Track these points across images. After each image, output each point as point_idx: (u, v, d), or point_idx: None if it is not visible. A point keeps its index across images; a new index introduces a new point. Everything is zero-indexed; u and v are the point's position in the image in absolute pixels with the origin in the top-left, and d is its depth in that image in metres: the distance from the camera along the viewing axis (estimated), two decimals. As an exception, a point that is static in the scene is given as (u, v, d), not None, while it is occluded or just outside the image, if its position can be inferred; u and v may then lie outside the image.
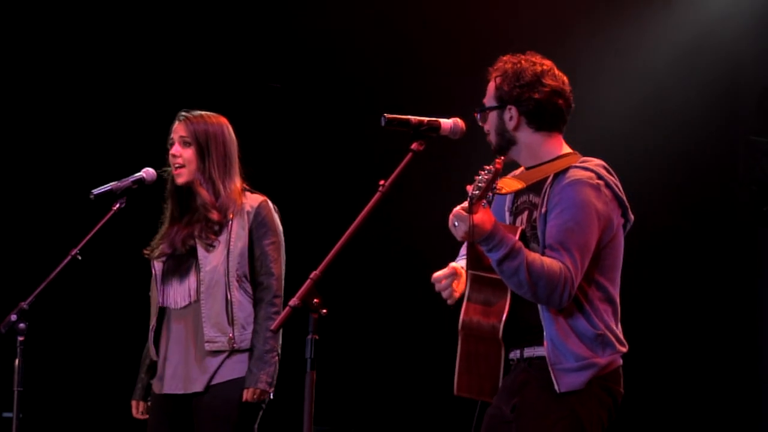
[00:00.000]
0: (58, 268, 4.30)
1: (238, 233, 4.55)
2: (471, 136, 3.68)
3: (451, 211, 3.43)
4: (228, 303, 4.51)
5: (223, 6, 7.17)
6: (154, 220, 4.70)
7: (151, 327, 4.61)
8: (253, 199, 4.62)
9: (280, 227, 4.65)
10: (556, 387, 3.53)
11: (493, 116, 3.70)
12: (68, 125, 6.84)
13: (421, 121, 3.53)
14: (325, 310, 3.21)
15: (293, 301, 3.16)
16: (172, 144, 4.61)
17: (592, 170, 3.60)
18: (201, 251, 4.53)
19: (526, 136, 3.68)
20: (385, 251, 7.33)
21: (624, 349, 3.63)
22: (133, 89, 6.86)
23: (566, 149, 3.72)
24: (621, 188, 3.64)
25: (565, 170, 3.61)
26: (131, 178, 4.55)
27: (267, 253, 4.57)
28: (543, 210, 3.57)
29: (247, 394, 4.48)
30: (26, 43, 6.78)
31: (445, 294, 3.66)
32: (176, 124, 4.64)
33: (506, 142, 3.70)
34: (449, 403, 4.00)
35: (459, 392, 3.69)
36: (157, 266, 4.61)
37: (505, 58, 3.72)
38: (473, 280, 3.62)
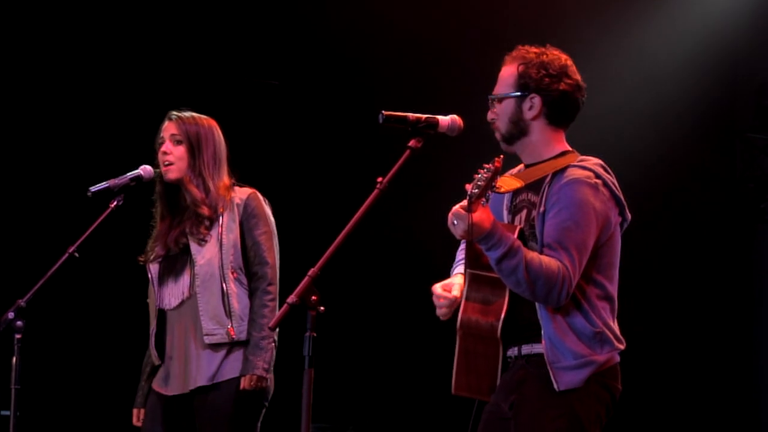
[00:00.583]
0: (56, 266, 4.29)
1: (229, 226, 4.57)
2: (469, 134, 3.67)
3: (449, 208, 3.43)
4: (224, 295, 4.52)
5: (221, 3, 7.16)
6: (151, 217, 4.70)
7: (151, 331, 4.61)
8: (242, 192, 4.65)
9: (272, 217, 4.68)
10: (555, 386, 3.53)
11: (509, 103, 3.67)
12: (66, 123, 6.84)
13: (419, 118, 3.52)
14: (322, 308, 3.21)
15: (291, 299, 3.16)
16: (162, 142, 4.62)
17: (590, 169, 3.60)
18: (194, 246, 4.54)
19: (539, 128, 3.68)
20: (383, 248, 7.33)
21: (622, 347, 3.63)
22: (131, 87, 6.86)
23: (565, 147, 3.72)
24: (618, 187, 3.64)
25: (564, 169, 3.61)
26: (129, 176, 4.55)
27: (259, 243, 4.59)
28: (541, 209, 3.57)
29: (244, 382, 4.48)
30: (23, 42, 6.78)
31: (438, 312, 3.66)
32: (166, 123, 4.65)
33: (519, 131, 3.68)
34: (447, 401, 4.00)
35: (457, 391, 3.69)
36: (153, 269, 4.63)
37: (525, 47, 3.70)
38: (472, 279, 3.62)
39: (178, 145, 4.60)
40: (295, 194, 7.29)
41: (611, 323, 3.62)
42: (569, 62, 3.70)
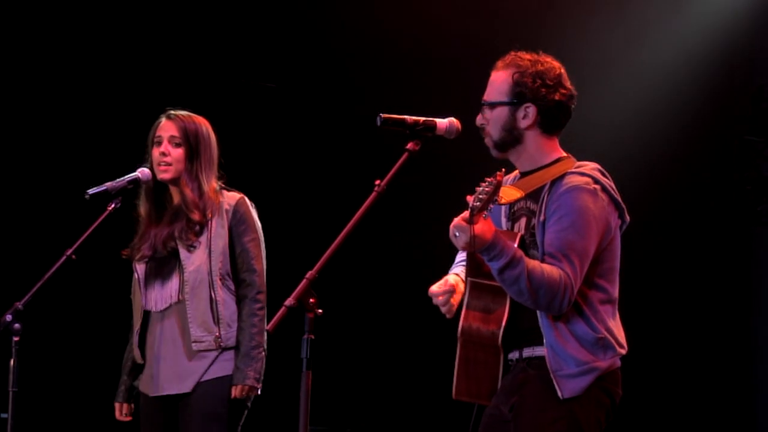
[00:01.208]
0: (53, 269, 4.29)
1: (217, 232, 4.57)
2: (468, 136, 3.68)
3: (448, 210, 3.43)
4: (213, 302, 4.52)
5: (219, 5, 7.16)
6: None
7: (135, 330, 4.62)
8: (230, 198, 4.64)
9: (259, 223, 4.68)
10: (559, 393, 3.53)
11: (502, 111, 3.66)
12: (63, 126, 6.83)
13: (417, 121, 3.52)
14: (320, 310, 3.21)
15: (289, 301, 3.16)
16: (160, 141, 4.61)
17: (588, 175, 3.59)
18: (183, 252, 4.54)
19: (533, 136, 3.66)
20: (381, 251, 7.33)
21: (623, 351, 3.63)
22: (129, 89, 6.86)
23: (561, 153, 3.71)
24: (616, 190, 3.64)
25: (562, 176, 3.60)
26: (126, 178, 4.54)
27: (248, 250, 4.59)
28: (541, 218, 3.57)
29: (235, 391, 4.49)
30: (20, 44, 6.77)
31: (443, 309, 3.66)
32: (164, 121, 4.64)
33: (512, 139, 3.66)
34: (446, 405, 4.00)
35: (458, 396, 3.69)
36: (139, 269, 4.62)
37: (518, 53, 3.68)
38: (473, 287, 3.62)
39: (177, 147, 4.60)
40: (293, 197, 7.29)
41: (613, 327, 3.62)
42: (563, 70, 3.68)
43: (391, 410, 7.49)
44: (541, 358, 3.57)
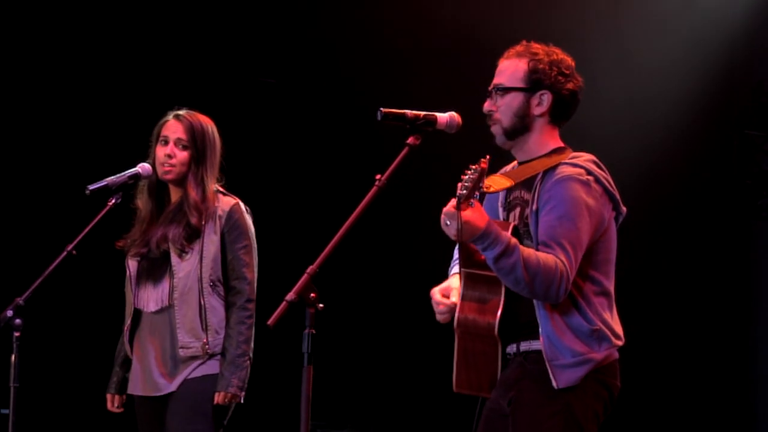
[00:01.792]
0: (54, 264, 4.29)
1: (210, 238, 4.55)
2: (468, 131, 3.67)
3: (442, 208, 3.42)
4: (202, 309, 4.52)
5: (218, 2, 7.16)
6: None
7: (126, 326, 4.62)
8: (225, 203, 4.61)
9: (252, 230, 4.65)
10: (554, 383, 3.53)
11: (516, 97, 3.65)
12: (64, 122, 6.83)
13: (417, 116, 3.52)
14: (321, 305, 3.21)
15: (290, 296, 3.16)
16: (166, 141, 4.59)
17: (581, 166, 3.59)
18: (174, 258, 4.53)
19: (542, 125, 3.67)
20: (383, 246, 7.33)
21: (620, 343, 3.63)
22: (129, 85, 6.86)
23: (558, 144, 3.71)
24: (612, 182, 3.63)
25: (555, 167, 3.60)
26: (127, 174, 4.54)
27: (239, 258, 4.57)
28: (534, 207, 3.57)
29: (218, 398, 4.49)
30: (21, 41, 6.77)
31: (439, 317, 3.67)
32: (171, 121, 4.62)
33: (522, 127, 3.66)
34: (446, 399, 4.01)
35: (458, 389, 3.69)
36: (132, 266, 4.62)
37: (531, 43, 3.69)
38: (467, 278, 3.62)
39: (183, 150, 4.58)
40: (294, 192, 7.29)
41: (609, 319, 3.62)
42: (574, 63, 3.70)
43: (393, 405, 7.50)
44: (538, 352, 3.57)
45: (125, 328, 4.62)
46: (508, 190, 3.69)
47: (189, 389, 4.50)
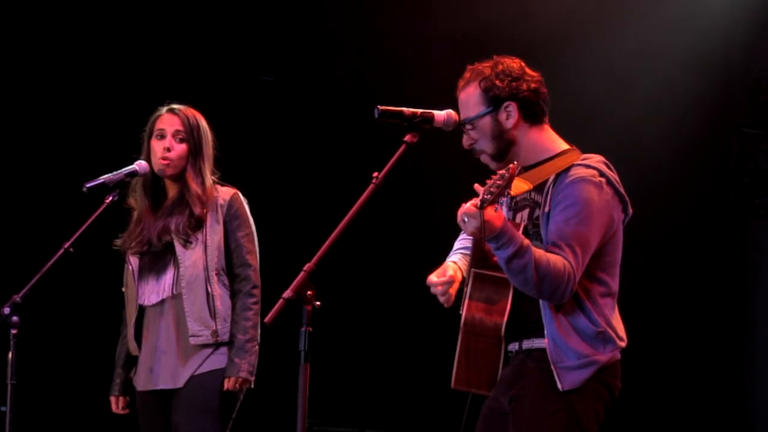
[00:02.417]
0: (51, 261, 4.28)
1: (213, 227, 4.57)
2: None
3: (446, 202, 3.42)
4: (209, 297, 4.53)
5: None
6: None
7: (131, 323, 4.61)
8: (224, 192, 4.65)
9: (251, 218, 4.68)
10: (559, 385, 3.53)
11: (485, 122, 3.64)
12: (61, 119, 6.83)
13: (415, 113, 3.52)
14: (318, 302, 3.20)
15: (287, 293, 3.16)
16: (163, 135, 4.59)
17: (594, 167, 3.59)
18: (179, 248, 4.54)
19: (523, 133, 3.66)
20: (380, 243, 7.33)
21: (623, 344, 3.63)
22: (126, 83, 6.85)
23: (565, 145, 3.71)
24: (621, 184, 3.64)
25: (567, 168, 3.60)
26: (124, 171, 4.54)
27: (242, 245, 4.60)
28: (546, 209, 3.57)
29: (228, 384, 4.50)
30: (18, 39, 6.76)
31: (441, 299, 3.66)
32: (166, 115, 4.63)
33: (505, 144, 3.65)
34: (444, 396, 4.00)
35: (456, 386, 3.69)
36: (134, 262, 4.62)
37: (474, 66, 3.69)
38: (476, 278, 3.62)
39: (181, 143, 4.59)
40: (291, 189, 7.29)
41: (613, 321, 3.62)
42: (522, 62, 3.69)
43: (390, 402, 7.50)
44: (541, 350, 3.57)
45: (130, 325, 4.61)
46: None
47: (196, 384, 4.51)
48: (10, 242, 6.65)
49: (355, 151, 6.94)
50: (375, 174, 3.36)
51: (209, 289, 4.54)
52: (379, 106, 3.49)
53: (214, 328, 4.53)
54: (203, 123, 4.66)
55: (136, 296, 4.60)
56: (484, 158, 3.69)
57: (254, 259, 4.62)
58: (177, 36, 7.03)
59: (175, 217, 4.57)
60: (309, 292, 3.19)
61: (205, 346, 4.52)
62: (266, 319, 3.18)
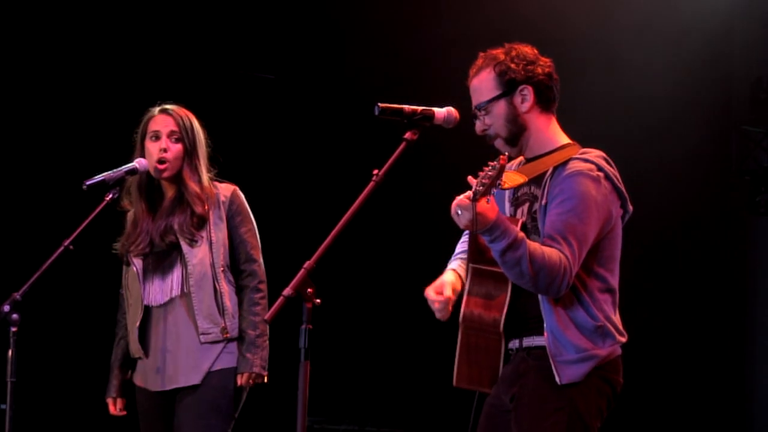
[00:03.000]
0: (51, 259, 4.28)
1: (216, 224, 4.58)
2: (466, 125, 3.67)
3: (447, 199, 3.42)
4: (218, 294, 4.54)
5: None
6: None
7: (135, 325, 4.59)
8: (225, 189, 4.65)
9: (251, 214, 4.68)
10: (557, 379, 3.53)
11: (500, 106, 3.65)
12: (61, 117, 6.83)
13: (415, 110, 3.52)
14: (318, 300, 3.20)
15: (287, 291, 3.16)
16: (158, 137, 4.58)
17: (592, 162, 3.59)
18: (185, 246, 4.54)
19: (535, 118, 3.67)
20: (380, 241, 7.32)
21: (623, 339, 3.63)
22: (126, 81, 6.85)
23: (566, 139, 3.71)
24: (620, 179, 3.64)
25: (566, 162, 3.60)
26: (124, 169, 4.53)
27: (246, 241, 4.61)
28: (543, 202, 3.57)
29: (241, 379, 4.50)
30: (17, 37, 6.76)
31: (437, 315, 3.66)
32: (159, 116, 4.62)
33: (518, 129, 3.66)
34: (444, 394, 4.00)
35: (458, 384, 3.69)
36: (137, 264, 4.60)
37: (487, 52, 3.70)
38: (474, 274, 3.62)
39: (176, 143, 4.59)
40: (291, 187, 7.29)
41: (613, 316, 3.62)
42: (534, 48, 3.71)
43: (390, 400, 7.50)
44: (541, 348, 3.57)
45: (134, 327, 4.59)
46: (517, 186, 3.68)
47: (207, 383, 4.51)
48: (11, 240, 6.65)
49: (355, 149, 6.94)
50: (375, 171, 3.36)
51: (217, 287, 4.54)
52: (379, 104, 3.49)
53: (224, 324, 4.53)
54: (195, 122, 4.66)
55: (142, 298, 4.59)
56: (498, 143, 3.69)
57: (258, 254, 4.64)
58: (178, 34, 7.03)
59: (177, 216, 4.56)
60: (309, 290, 3.18)
61: (214, 343, 4.52)
62: (266, 317, 3.19)
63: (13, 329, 4.20)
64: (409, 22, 7.23)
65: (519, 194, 3.71)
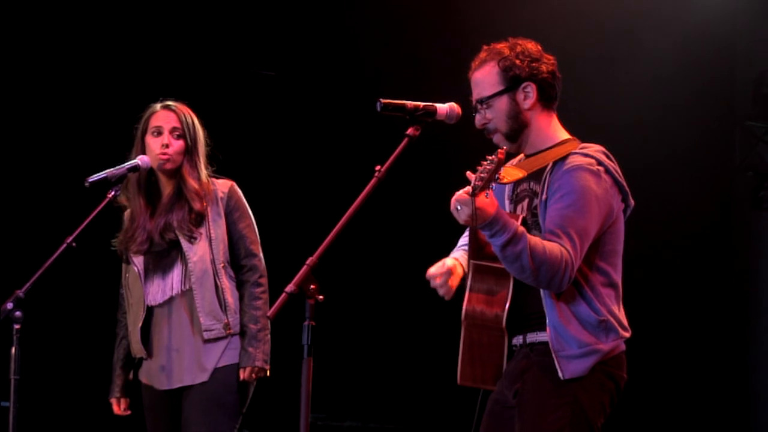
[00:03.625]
0: (54, 256, 4.28)
1: (215, 220, 4.58)
2: (468, 121, 3.67)
3: (450, 195, 3.41)
4: (219, 290, 4.54)
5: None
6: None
7: (137, 326, 4.58)
8: (222, 185, 4.65)
9: (250, 209, 4.68)
10: (560, 374, 3.53)
11: (502, 101, 3.65)
12: (63, 114, 6.82)
13: (417, 106, 3.51)
14: (321, 297, 3.20)
15: (290, 288, 3.15)
16: (160, 132, 4.58)
17: (592, 156, 3.59)
18: (185, 243, 4.53)
19: (536, 115, 3.67)
20: (382, 237, 7.32)
21: (627, 334, 3.62)
22: (128, 78, 6.85)
23: (566, 135, 3.71)
24: (621, 174, 3.63)
25: (565, 157, 3.60)
26: (126, 166, 4.53)
27: (245, 236, 4.62)
28: (543, 197, 3.57)
29: (244, 374, 4.50)
30: (19, 34, 6.76)
31: (441, 291, 3.65)
32: (161, 111, 4.62)
33: (519, 125, 3.66)
34: (447, 391, 4.00)
35: (462, 382, 3.69)
36: (138, 262, 4.60)
37: (491, 46, 3.69)
38: (475, 270, 3.62)
39: (178, 139, 4.59)
40: (294, 183, 7.29)
41: (616, 311, 3.61)
42: (539, 45, 3.71)
43: (393, 397, 7.49)
44: (545, 344, 3.56)
45: (136, 327, 4.58)
46: (516, 183, 3.68)
47: (213, 379, 4.51)
48: (13, 237, 6.65)
49: (357, 145, 6.94)
50: (377, 167, 3.36)
51: (218, 283, 4.54)
52: (381, 100, 3.48)
53: (226, 321, 4.53)
54: (195, 119, 4.66)
55: (144, 298, 4.59)
56: (497, 138, 3.69)
57: (258, 248, 4.64)
58: (179, 31, 7.03)
59: (176, 213, 4.56)
60: (312, 286, 3.18)
61: (217, 339, 4.52)
62: (269, 313, 3.18)
63: (17, 326, 4.20)
64: (411, 18, 7.22)
65: (518, 191, 3.70)
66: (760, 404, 7.89)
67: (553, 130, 3.70)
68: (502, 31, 3.78)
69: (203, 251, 4.54)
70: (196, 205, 4.55)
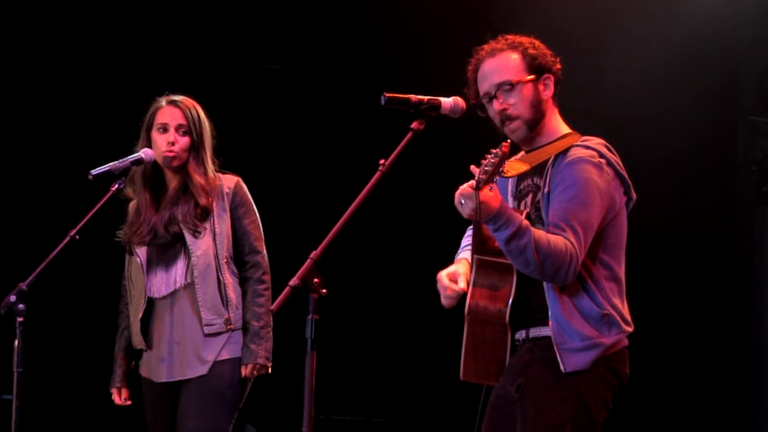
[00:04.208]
0: (57, 249, 4.28)
1: (220, 215, 4.58)
2: (472, 115, 3.66)
3: (454, 190, 3.41)
4: (221, 285, 4.54)
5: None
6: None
7: (137, 317, 4.59)
8: (228, 180, 4.65)
9: (255, 205, 4.68)
10: (561, 367, 3.52)
11: (528, 88, 3.65)
12: (66, 107, 6.82)
13: (421, 100, 3.50)
14: (325, 290, 3.20)
15: (293, 281, 3.15)
16: (166, 129, 4.58)
17: (593, 149, 3.59)
18: (189, 237, 4.54)
19: (550, 107, 3.70)
20: (386, 231, 7.32)
21: (630, 329, 3.62)
22: (131, 71, 6.84)
23: (567, 129, 3.71)
24: (623, 166, 3.63)
25: (567, 150, 3.60)
26: (130, 159, 4.53)
27: (249, 232, 4.62)
28: (546, 190, 3.57)
29: (246, 370, 4.51)
30: (20, 27, 6.76)
31: (444, 301, 3.66)
32: (167, 107, 4.62)
33: (539, 114, 3.67)
34: (451, 386, 4.00)
35: (465, 377, 3.69)
36: (141, 253, 4.60)
37: (506, 37, 3.71)
38: (479, 265, 3.62)
39: (184, 135, 4.59)
40: (297, 177, 7.29)
41: (619, 305, 3.61)
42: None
43: (397, 391, 7.50)
44: (547, 338, 3.56)
45: (137, 319, 4.59)
46: (519, 179, 3.69)
47: (212, 373, 4.51)
48: (16, 230, 6.65)
49: (361, 139, 6.93)
50: (381, 161, 3.35)
51: (221, 278, 4.54)
52: (385, 93, 3.48)
53: (227, 316, 4.53)
54: (202, 113, 4.65)
55: (145, 289, 4.59)
56: (515, 125, 3.66)
57: (262, 245, 4.64)
58: (182, 25, 7.02)
59: (181, 207, 4.56)
60: (315, 280, 3.18)
61: (218, 334, 4.52)
62: (272, 307, 3.18)
63: (20, 319, 4.21)
64: (415, 13, 7.21)
65: (521, 187, 3.71)
66: (762, 400, 7.89)
67: (555, 125, 3.71)
68: (504, 25, 3.78)
69: (207, 246, 4.54)
70: (202, 200, 4.55)
